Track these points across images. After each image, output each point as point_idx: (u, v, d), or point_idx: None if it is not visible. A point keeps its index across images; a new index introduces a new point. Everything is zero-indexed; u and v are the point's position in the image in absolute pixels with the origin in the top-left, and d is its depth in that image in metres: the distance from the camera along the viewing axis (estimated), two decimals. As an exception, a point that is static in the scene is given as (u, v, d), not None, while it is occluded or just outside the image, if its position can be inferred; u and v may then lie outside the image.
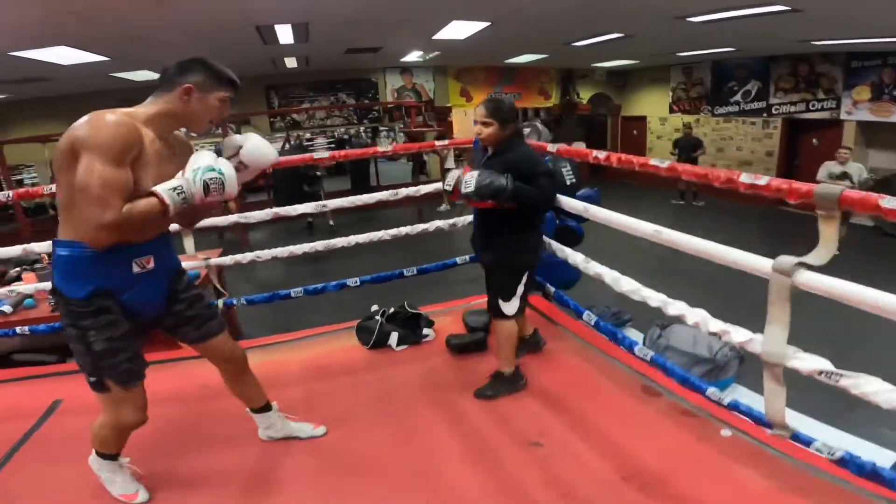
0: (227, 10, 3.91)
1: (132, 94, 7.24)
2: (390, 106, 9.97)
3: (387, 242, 2.69)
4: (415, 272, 2.68)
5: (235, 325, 3.94)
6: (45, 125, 8.34)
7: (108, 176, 1.13)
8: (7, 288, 2.66)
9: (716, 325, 1.27)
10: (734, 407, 1.35)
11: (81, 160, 1.13)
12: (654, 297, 1.45)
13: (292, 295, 2.53)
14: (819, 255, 1.09)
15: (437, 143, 3.09)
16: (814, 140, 8.16)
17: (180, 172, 1.27)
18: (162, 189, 1.20)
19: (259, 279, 5.74)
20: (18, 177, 8.67)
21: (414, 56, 7.72)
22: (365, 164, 9.28)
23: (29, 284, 2.82)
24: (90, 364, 1.30)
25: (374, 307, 2.64)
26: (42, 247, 2.50)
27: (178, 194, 1.21)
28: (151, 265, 1.34)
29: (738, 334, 1.21)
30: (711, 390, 1.40)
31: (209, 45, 5.01)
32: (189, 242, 2.46)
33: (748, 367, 2.33)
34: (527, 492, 1.49)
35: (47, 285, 2.65)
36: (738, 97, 9.01)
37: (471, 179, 1.78)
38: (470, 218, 2.68)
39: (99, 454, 1.49)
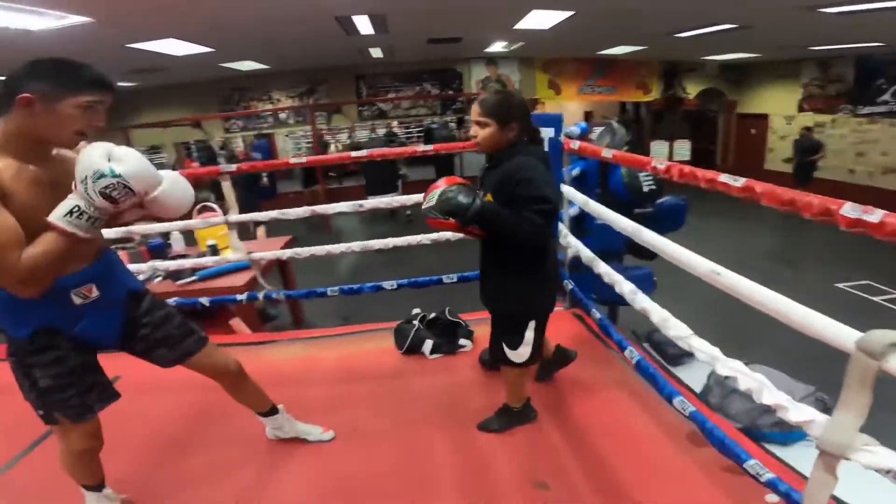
0: (307, 1, 4.00)
1: (240, 83, 7.94)
2: (473, 97, 9.81)
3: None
4: (455, 279, 2.54)
5: (298, 313, 4.13)
6: (167, 111, 9.40)
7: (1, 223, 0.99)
8: None
9: (772, 397, 0.99)
10: (772, 486, 1.06)
11: None
12: (705, 351, 1.18)
13: (328, 293, 2.51)
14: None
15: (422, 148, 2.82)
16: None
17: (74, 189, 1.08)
18: (56, 218, 1.04)
19: (340, 264, 5.91)
20: (149, 156, 9.83)
21: (498, 47, 7.51)
22: (450, 154, 9.26)
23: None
24: (36, 399, 1.24)
25: (416, 310, 2.56)
26: (139, 228, 2.68)
27: (77, 217, 1.04)
28: (95, 293, 1.23)
29: (798, 413, 0.93)
30: (751, 463, 1.11)
31: (294, 36, 5.22)
32: (261, 229, 2.52)
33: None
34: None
35: (135, 266, 2.93)
36: (887, 96, 7.72)
37: (436, 192, 1.39)
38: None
39: (84, 487, 1.42)
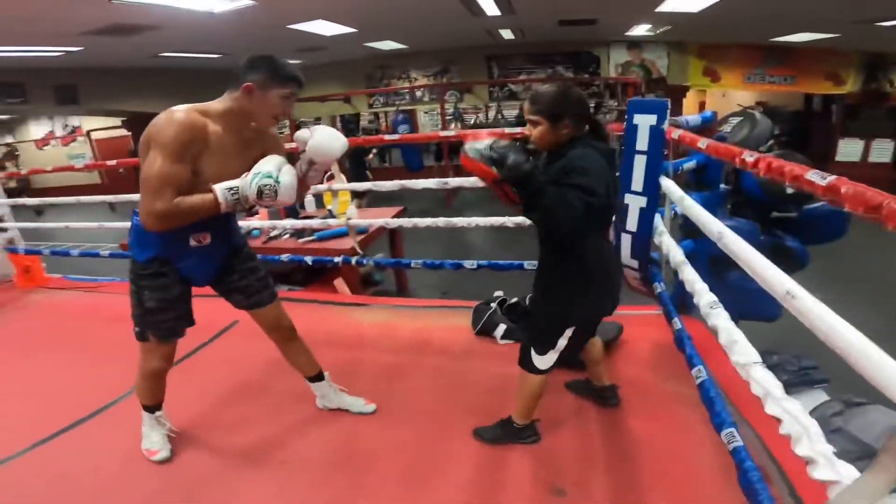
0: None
1: (382, 62, 8.58)
2: (611, 82, 9.24)
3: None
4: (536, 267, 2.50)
5: (403, 282, 4.41)
6: (324, 86, 10.47)
7: (165, 171, 1.27)
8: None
9: (810, 448, 0.84)
10: None
11: (150, 153, 1.29)
12: (761, 384, 1.02)
13: (412, 265, 2.65)
14: None
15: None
16: None
17: (245, 174, 1.36)
18: (219, 187, 1.32)
19: (454, 239, 6.05)
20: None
21: (641, 30, 6.91)
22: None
23: (258, 221, 3.62)
24: (139, 317, 1.52)
25: (498, 293, 2.57)
26: None
27: (231, 195, 1.31)
28: (208, 241, 1.49)
29: (827, 472, 0.78)
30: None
31: (421, 17, 5.41)
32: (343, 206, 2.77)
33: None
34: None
35: (273, 222, 3.42)
36: None
37: (489, 139, 1.30)
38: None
39: (143, 407, 1.70)
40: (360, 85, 10.54)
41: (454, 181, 2.64)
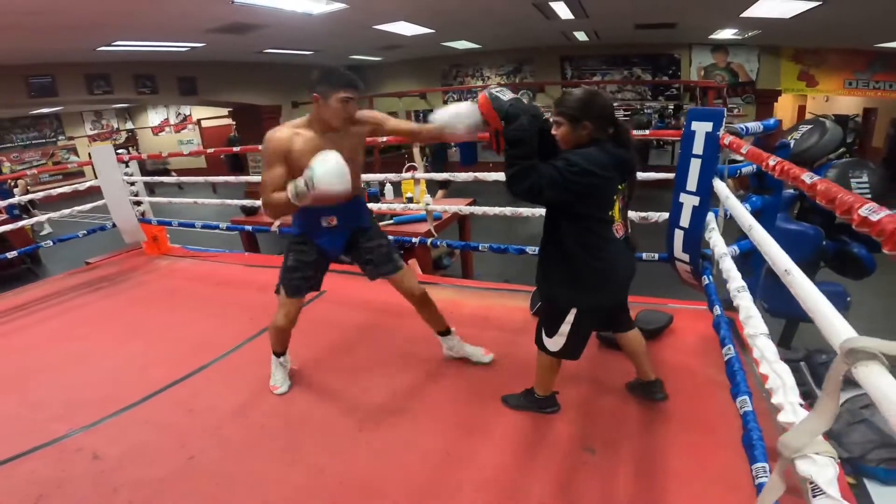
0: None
1: (456, 60, 9.01)
2: (692, 84, 8.97)
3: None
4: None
5: (469, 266, 4.74)
6: (402, 83, 11.07)
7: (265, 176, 1.67)
8: None
9: (782, 397, 1.02)
10: (759, 489, 1.08)
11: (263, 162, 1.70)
12: (764, 348, 1.21)
13: (480, 248, 2.94)
14: None
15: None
16: None
17: None
18: (290, 182, 1.60)
19: (520, 232, 6.36)
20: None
21: (727, 33, 6.70)
22: (643, 144, 8.81)
23: None
24: (281, 273, 1.92)
25: None
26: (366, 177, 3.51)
27: (294, 188, 1.57)
28: (335, 223, 1.87)
29: (790, 414, 0.96)
30: (758, 465, 1.14)
31: (496, 20, 5.64)
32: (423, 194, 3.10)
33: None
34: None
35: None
36: None
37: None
38: (664, 215, 2.50)
39: (273, 352, 2.10)
40: (436, 82, 10.98)
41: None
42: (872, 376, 0.75)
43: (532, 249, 2.83)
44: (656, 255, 2.58)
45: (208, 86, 8.39)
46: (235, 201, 4.08)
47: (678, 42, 8.57)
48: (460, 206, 3.24)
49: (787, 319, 2.74)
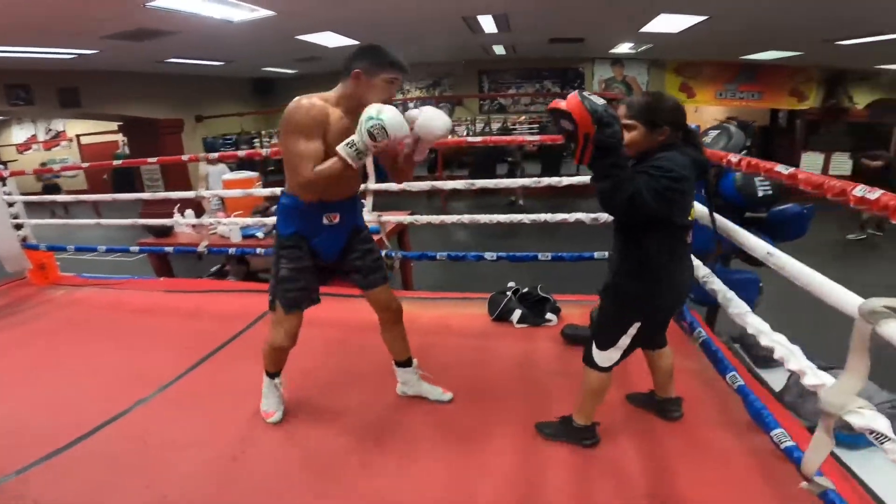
0: (439, 3, 4.47)
1: None
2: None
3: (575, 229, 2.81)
4: (549, 258, 2.79)
5: (408, 281, 4.62)
6: (317, 96, 10.70)
7: (301, 148, 1.46)
8: (262, 218, 3.66)
9: (798, 363, 1.14)
10: (788, 453, 1.20)
11: (288, 137, 1.48)
12: (755, 325, 1.34)
13: (437, 257, 2.92)
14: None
15: (528, 137, 3.04)
16: None
17: None
18: (339, 148, 1.46)
19: (453, 242, 6.38)
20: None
21: (624, 48, 7.40)
22: (557, 151, 9.35)
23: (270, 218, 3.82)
24: (273, 285, 1.70)
25: (511, 284, 2.80)
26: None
27: (350, 148, 1.43)
28: (337, 220, 1.69)
29: (814, 377, 1.08)
30: (777, 432, 1.26)
31: (425, 33, 5.73)
32: (368, 201, 3.02)
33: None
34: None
35: (269, 220, 3.61)
36: None
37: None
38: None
39: (266, 372, 1.86)
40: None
41: (480, 182, 2.94)
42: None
43: (491, 255, 2.88)
44: (606, 254, 2.74)
45: (94, 97, 7.49)
46: (143, 220, 3.71)
47: (583, 56, 9.28)
48: (416, 216, 3.19)
49: (709, 306, 3.03)
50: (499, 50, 7.65)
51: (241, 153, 3.52)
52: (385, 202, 3.26)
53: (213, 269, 4.43)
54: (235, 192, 3.70)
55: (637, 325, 1.46)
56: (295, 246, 1.67)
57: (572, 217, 2.70)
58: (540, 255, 2.77)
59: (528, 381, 2.12)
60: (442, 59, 9.46)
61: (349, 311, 2.76)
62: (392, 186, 2.90)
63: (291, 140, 1.48)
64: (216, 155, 3.44)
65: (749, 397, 1.42)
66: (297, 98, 1.51)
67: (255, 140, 10.67)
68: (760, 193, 2.72)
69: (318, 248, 1.71)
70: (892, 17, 4.22)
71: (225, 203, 4.51)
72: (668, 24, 5.13)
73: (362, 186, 2.96)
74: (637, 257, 1.43)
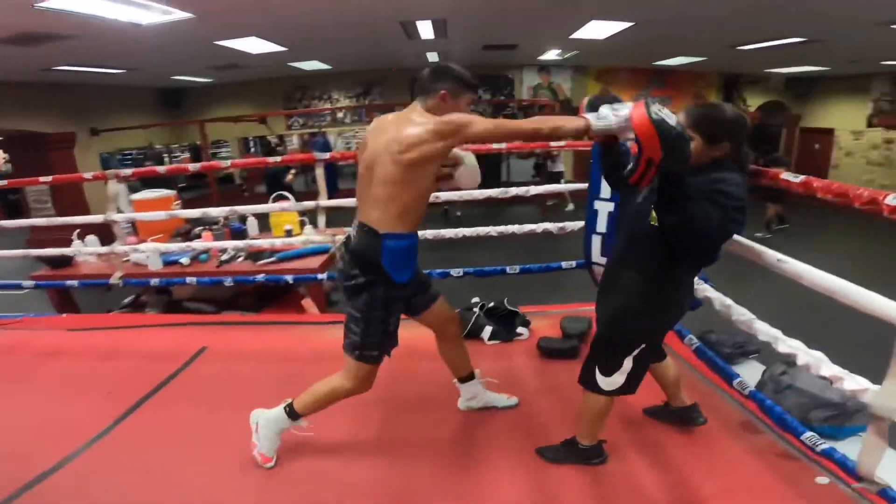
0: (377, 7, 4.29)
1: (302, 81, 8.39)
2: (524, 104, 9.99)
3: (513, 240, 2.76)
4: (517, 270, 2.71)
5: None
6: (236, 108, 10.03)
7: (504, 122, 1.39)
8: (186, 243, 3.26)
9: (829, 369, 1.12)
10: (827, 455, 1.19)
11: (429, 144, 1.34)
12: (766, 332, 1.31)
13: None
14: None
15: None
16: None
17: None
18: (588, 113, 1.24)
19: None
20: (216, 150, 10.42)
21: (552, 54, 7.65)
22: (496, 159, 9.49)
23: (206, 242, 3.44)
24: (382, 341, 1.48)
25: (475, 299, 2.71)
26: (218, 211, 2.97)
27: (599, 120, 1.20)
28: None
29: (853, 382, 1.06)
30: (808, 435, 1.24)
31: (358, 38, 5.52)
32: (321, 219, 2.78)
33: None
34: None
35: (225, 243, 3.25)
36: None
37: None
38: (579, 224, 2.62)
39: (290, 411, 1.60)
40: (277, 105, 10.27)
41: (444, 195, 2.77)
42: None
43: (457, 271, 2.73)
44: (574, 263, 2.70)
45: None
46: (38, 251, 3.26)
47: (512, 63, 9.48)
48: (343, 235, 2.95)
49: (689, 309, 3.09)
50: (432, 57, 7.59)
51: (160, 169, 3.21)
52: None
53: (127, 300, 3.92)
54: (158, 215, 3.25)
55: (642, 347, 1.39)
56: (408, 293, 1.52)
57: (540, 228, 2.64)
58: (508, 269, 2.68)
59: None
60: (373, 67, 9.24)
61: (295, 339, 2.52)
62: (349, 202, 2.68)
63: (434, 143, 1.33)
64: (129, 172, 3.01)
65: (765, 402, 1.39)
66: (405, 115, 1.42)
67: (165, 155, 9.78)
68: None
69: (407, 285, 1.52)
70: (786, 23, 4.68)
71: (136, 226, 4.00)
72: (597, 30, 5.33)
73: (313, 203, 2.71)
74: (660, 282, 1.33)
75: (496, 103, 10.08)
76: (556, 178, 8.45)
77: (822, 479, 1.44)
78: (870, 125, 8.96)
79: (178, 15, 3.94)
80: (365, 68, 9.37)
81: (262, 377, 2.28)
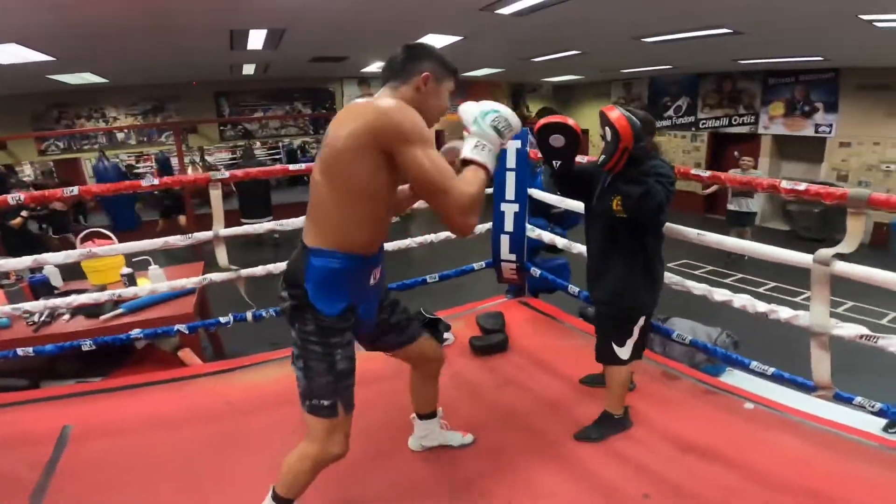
0: (210, 14, 3.79)
1: (63, 98, 6.76)
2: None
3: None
4: (437, 279, 2.76)
5: (218, 345, 3.76)
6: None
7: (438, 161, 1.10)
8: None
9: (763, 305, 1.51)
10: (778, 376, 1.60)
11: (408, 151, 1.08)
12: (699, 287, 1.68)
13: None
14: (848, 245, 1.33)
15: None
16: (735, 152, 9.05)
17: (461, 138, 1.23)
18: (469, 153, 1.16)
19: (235, 292, 5.40)
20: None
21: (374, 66, 7.78)
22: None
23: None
24: (330, 386, 1.20)
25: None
26: (13, 263, 2.32)
27: (482, 150, 1.16)
28: (378, 277, 1.30)
29: (785, 312, 1.46)
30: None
31: (159, 46, 4.77)
32: (221, 253, 2.36)
33: (742, 352, 2.63)
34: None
35: (26, 305, 2.44)
36: (670, 112, 9.81)
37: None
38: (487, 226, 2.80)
39: (275, 497, 1.29)
40: (24, 127, 8.05)
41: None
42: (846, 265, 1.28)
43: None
44: (483, 263, 2.88)
45: None
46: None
47: (334, 76, 9.26)
48: (252, 269, 2.58)
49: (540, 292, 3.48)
50: (248, 69, 6.92)
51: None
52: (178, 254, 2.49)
53: None
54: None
55: (644, 317, 1.70)
56: (347, 327, 1.22)
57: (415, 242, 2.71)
58: (428, 278, 2.71)
59: (485, 405, 2.07)
60: (166, 81, 7.99)
61: (198, 395, 2.14)
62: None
63: (422, 155, 1.09)
64: None
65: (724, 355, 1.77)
66: (388, 101, 1.13)
67: None
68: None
69: (362, 319, 1.28)
70: (569, 41, 5.65)
71: None
72: (430, 43, 5.53)
73: (210, 233, 2.29)
74: (642, 262, 1.63)
75: (315, 117, 9.77)
76: None
77: (749, 405, 1.88)
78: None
79: None
80: (154, 82, 8.04)
81: (182, 446, 1.84)
